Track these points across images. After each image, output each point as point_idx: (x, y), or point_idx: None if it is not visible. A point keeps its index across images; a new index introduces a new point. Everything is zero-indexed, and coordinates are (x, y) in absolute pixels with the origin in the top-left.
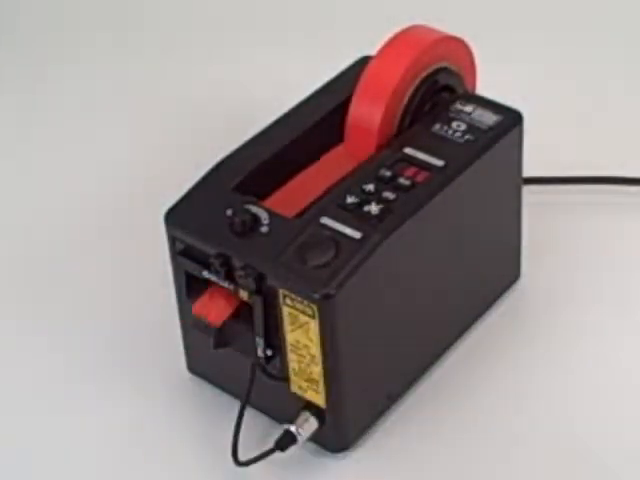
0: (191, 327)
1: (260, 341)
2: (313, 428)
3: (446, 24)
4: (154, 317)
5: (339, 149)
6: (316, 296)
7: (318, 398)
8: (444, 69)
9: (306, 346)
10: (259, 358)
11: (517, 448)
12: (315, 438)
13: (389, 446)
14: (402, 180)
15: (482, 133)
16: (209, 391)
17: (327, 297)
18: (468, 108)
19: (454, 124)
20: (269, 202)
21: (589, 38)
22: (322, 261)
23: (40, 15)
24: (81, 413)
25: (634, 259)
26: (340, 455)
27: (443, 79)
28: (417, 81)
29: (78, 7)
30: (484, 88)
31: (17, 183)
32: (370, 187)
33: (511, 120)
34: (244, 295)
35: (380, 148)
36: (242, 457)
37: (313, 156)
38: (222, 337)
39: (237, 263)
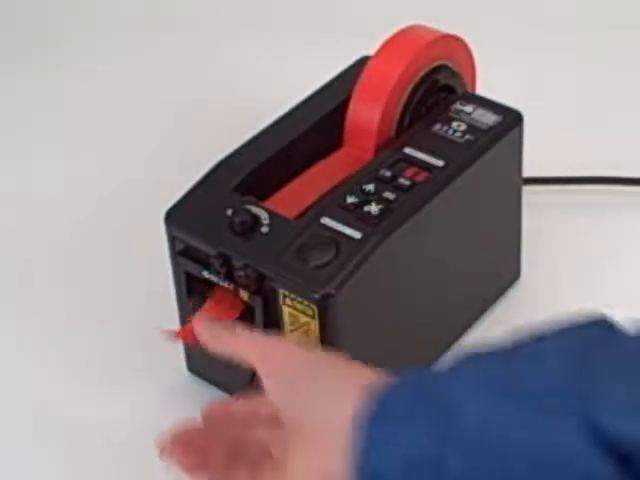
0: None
1: None
2: None
3: (446, 24)
4: (154, 317)
5: (340, 151)
6: (316, 296)
7: None
8: (444, 68)
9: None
10: None
11: None
12: None
13: None
14: (402, 180)
15: (482, 133)
16: (209, 391)
17: (327, 297)
18: (468, 108)
19: (454, 124)
20: (269, 203)
21: (589, 38)
22: (322, 261)
23: (40, 15)
24: (81, 413)
25: (634, 259)
26: None
27: (443, 79)
28: (416, 80)
29: (78, 7)
30: (484, 88)
31: (17, 183)
32: (370, 187)
33: (511, 120)
34: (244, 295)
35: (379, 148)
36: None
37: (313, 156)
38: None
39: (237, 263)
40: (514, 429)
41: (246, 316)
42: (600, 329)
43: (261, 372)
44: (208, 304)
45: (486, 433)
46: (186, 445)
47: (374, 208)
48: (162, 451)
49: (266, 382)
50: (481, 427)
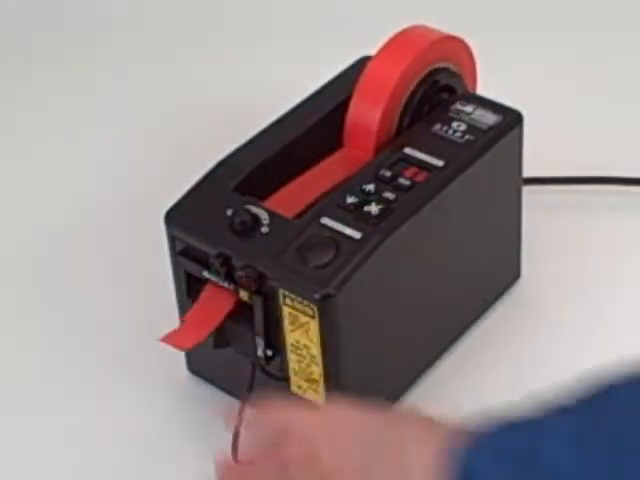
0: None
1: (260, 341)
2: None
3: (446, 24)
4: (154, 317)
5: (340, 151)
6: (316, 296)
7: (318, 398)
8: (444, 69)
9: (306, 346)
10: (259, 358)
11: None
12: None
13: None
14: (402, 180)
15: (482, 133)
16: (209, 391)
17: (327, 297)
18: (468, 108)
19: (454, 124)
20: (269, 202)
21: (589, 38)
22: (322, 261)
23: (40, 15)
24: (81, 413)
25: (633, 259)
26: None
27: (443, 79)
28: (416, 81)
29: (78, 7)
30: (484, 88)
31: (17, 183)
32: (370, 187)
33: (511, 120)
34: (244, 295)
35: (379, 148)
36: (242, 457)
37: (313, 156)
38: (222, 337)
39: (237, 263)
40: None
41: (246, 316)
42: None
43: (317, 440)
44: (201, 301)
45: None
46: None
47: (374, 208)
48: None
49: (326, 449)
50: None
